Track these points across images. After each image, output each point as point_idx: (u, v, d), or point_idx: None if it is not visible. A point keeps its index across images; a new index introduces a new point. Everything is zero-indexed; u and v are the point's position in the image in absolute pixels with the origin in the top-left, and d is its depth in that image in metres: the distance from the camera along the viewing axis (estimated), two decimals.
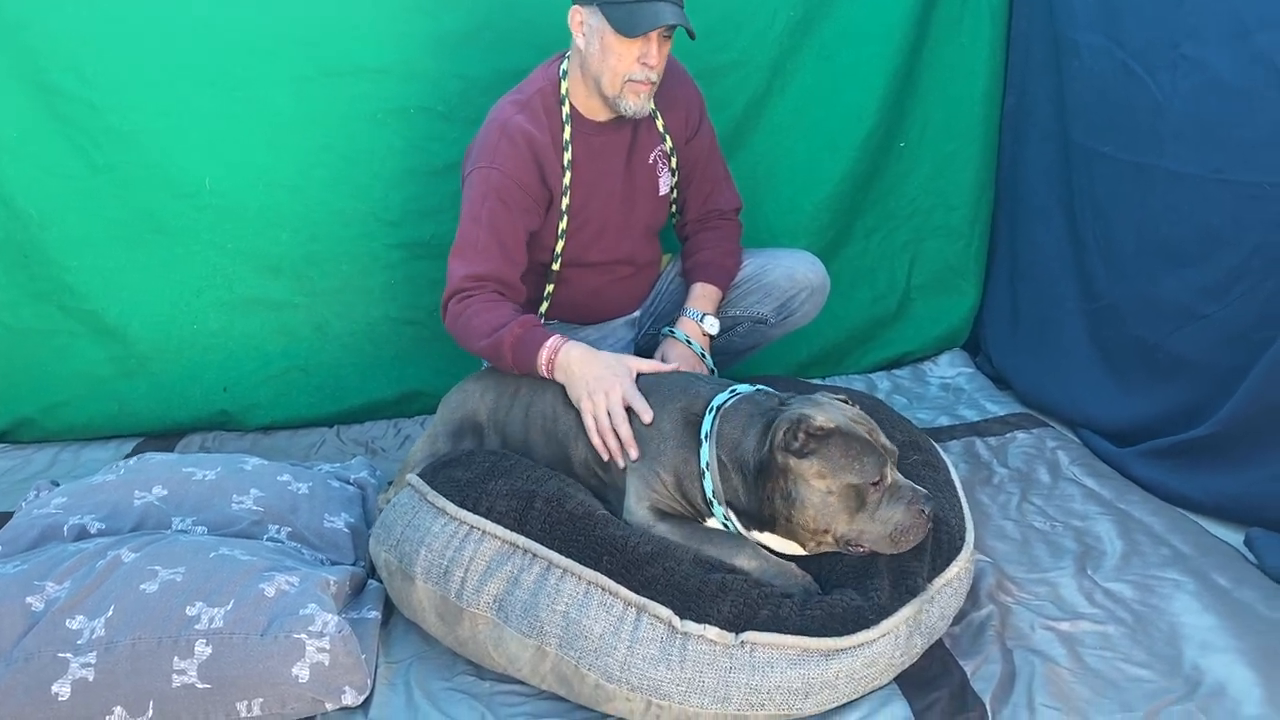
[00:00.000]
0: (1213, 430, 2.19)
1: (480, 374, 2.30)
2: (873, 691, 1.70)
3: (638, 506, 1.88)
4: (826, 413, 1.75)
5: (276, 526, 2.07)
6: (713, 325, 2.39)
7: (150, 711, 1.64)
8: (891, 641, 1.67)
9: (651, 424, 1.92)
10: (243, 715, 1.67)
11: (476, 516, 1.79)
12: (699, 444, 1.85)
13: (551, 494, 1.83)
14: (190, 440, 2.83)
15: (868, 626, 1.65)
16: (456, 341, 2.21)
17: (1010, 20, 2.96)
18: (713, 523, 1.88)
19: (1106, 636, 1.82)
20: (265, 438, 2.86)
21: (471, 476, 1.89)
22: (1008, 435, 2.63)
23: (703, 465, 1.82)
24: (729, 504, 1.81)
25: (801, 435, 1.72)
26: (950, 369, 3.10)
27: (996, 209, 3.12)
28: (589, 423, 1.97)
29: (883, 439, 1.77)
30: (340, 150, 2.76)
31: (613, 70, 2.17)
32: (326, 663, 1.68)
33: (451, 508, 1.82)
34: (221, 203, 2.75)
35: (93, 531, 1.99)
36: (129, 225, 2.73)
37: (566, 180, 2.28)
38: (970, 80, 2.98)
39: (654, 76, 2.20)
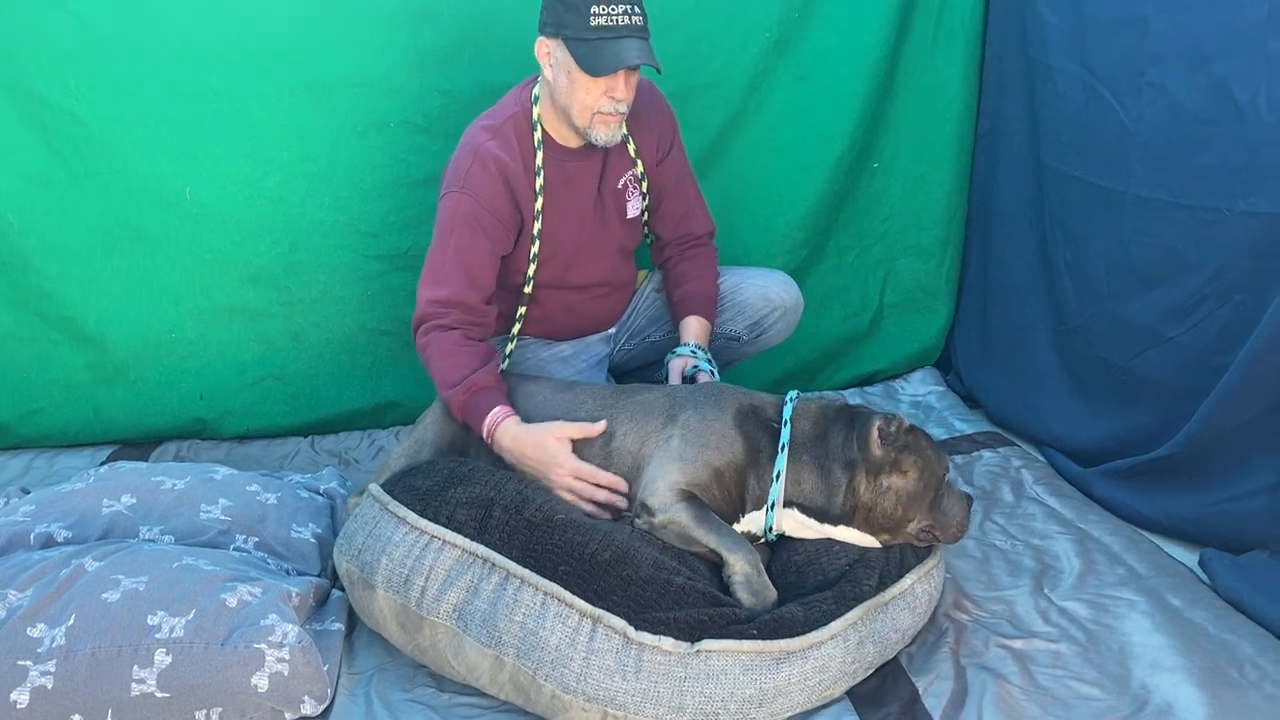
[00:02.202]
0: (1171, 452, 2.22)
1: None
2: (827, 705, 1.72)
3: (663, 484, 1.94)
4: (903, 415, 1.95)
5: (244, 536, 2.08)
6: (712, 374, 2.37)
7: (109, 719, 1.66)
8: (840, 645, 1.70)
9: (707, 419, 2.00)
10: None
11: (436, 526, 1.82)
12: (759, 445, 1.97)
13: (510, 500, 1.85)
14: (165, 449, 2.85)
15: (815, 629, 1.69)
16: None
17: (984, 44, 2.99)
18: (746, 524, 1.97)
19: (1058, 655, 1.85)
20: (240, 447, 2.87)
21: (431, 485, 1.91)
22: (975, 454, 2.66)
23: (776, 471, 1.93)
24: (798, 504, 1.93)
25: (896, 430, 1.89)
26: (921, 387, 3.13)
27: (968, 230, 3.16)
28: (565, 498, 2.01)
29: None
30: (321, 162, 2.79)
31: (580, 103, 2.17)
32: (286, 673, 1.70)
33: (412, 517, 1.84)
34: (201, 212, 2.77)
35: (59, 540, 2.00)
36: (109, 233, 2.75)
37: (538, 205, 2.29)
38: (944, 103, 3.01)
39: (623, 108, 2.19)
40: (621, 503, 2.01)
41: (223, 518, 2.09)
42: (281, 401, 2.93)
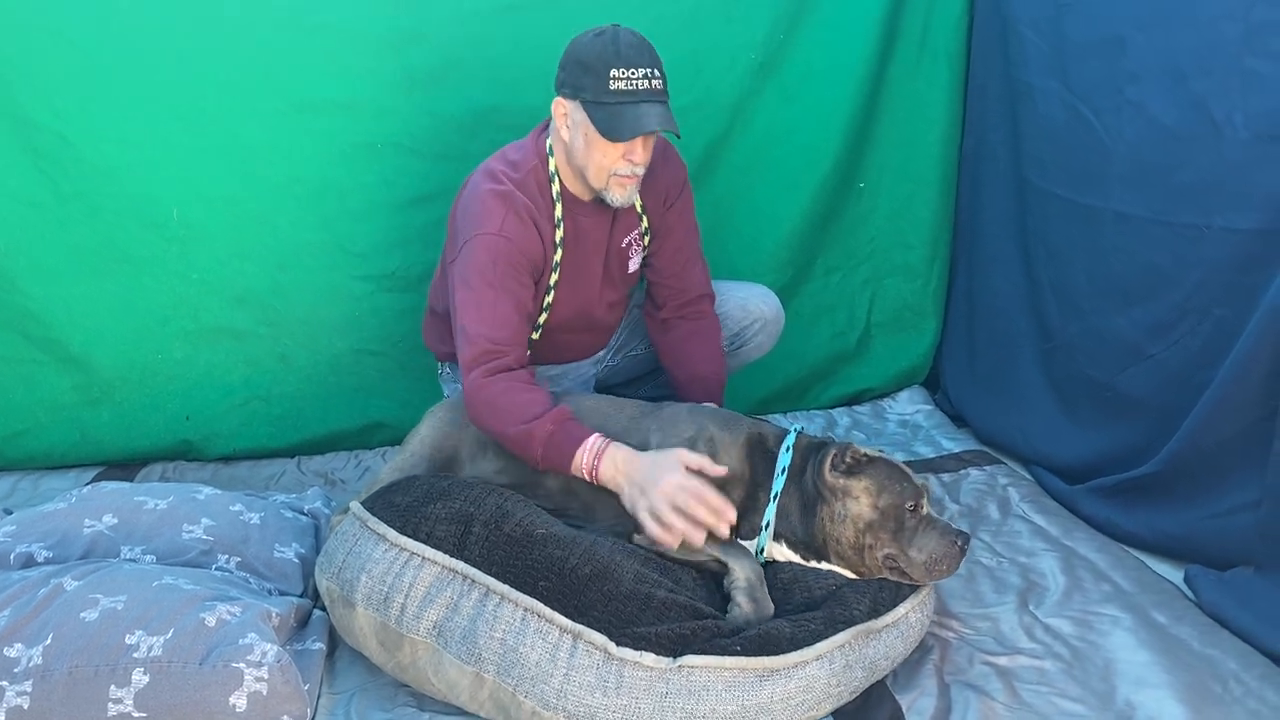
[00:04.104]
0: (1155, 469, 2.22)
1: (453, 404, 2.31)
2: None
3: None
4: (870, 448, 1.97)
5: (226, 556, 2.07)
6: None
7: None
8: (826, 667, 1.69)
9: (723, 439, 2.03)
10: None
11: (416, 543, 1.81)
12: (759, 474, 1.99)
13: (490, 516, 1.85)
14: (151, 470, 2.84)
15: (801, 647, 1.68)
16: (472, 415, 2.12)
17: (967, 64, 3.02)
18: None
19: (1043, 672, 1.84)
20: (226, 468, 2.87)
21: (410, 501, 1.90)
22: (962, 472, 2.66)
23: (773, 493, 1.95)
24: (783, 537, 1.95)
25: (850, 457, 1.91)
26: (909, 406, 3.13)
27: (954, 249, 3.17)
28: (650, 528, 1.90)
29: (919, 478, 1.94)
30: (308, 183, 2.80)
31: (597, 165, 2.13)
32: (264, 692, 1.69)
33: (391, 534, 1.83)
34: (189, 233, 2.78)
35: (40, 560, 1.99)
36: (95, 254, 2.75)
37: (557, 257, 2.25)
38: (928, 123, 3.04)
39: (640, 170, 2.16)
40: (723, 530, 1.91)
41: (205, 537, 2.08)
42: (268, 423, 2.93)
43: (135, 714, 1.65)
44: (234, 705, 1.67)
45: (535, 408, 2.04)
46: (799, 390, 3.17)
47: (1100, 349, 2.47)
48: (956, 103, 3.04)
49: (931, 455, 2.80)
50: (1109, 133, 2.37)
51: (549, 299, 2.29)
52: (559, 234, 2.24)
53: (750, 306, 2.54)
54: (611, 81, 2.05)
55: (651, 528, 1.90)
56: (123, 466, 2.85)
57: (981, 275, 3.02)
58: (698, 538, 1.89)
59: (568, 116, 2.15)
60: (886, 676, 1.83)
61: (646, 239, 2.40)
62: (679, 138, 2.19)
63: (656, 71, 2.09)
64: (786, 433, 2.07)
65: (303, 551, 2.17)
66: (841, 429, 3.02)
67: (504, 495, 1.94)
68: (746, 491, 2.00)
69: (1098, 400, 2.50)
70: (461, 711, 1.77)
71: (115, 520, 2.08)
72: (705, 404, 2.24)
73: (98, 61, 2.63)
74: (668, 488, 1.89)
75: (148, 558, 2.03)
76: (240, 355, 2.89)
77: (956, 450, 2.81)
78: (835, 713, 1.73)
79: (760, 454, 2.03)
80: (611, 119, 2.06)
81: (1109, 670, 1.82)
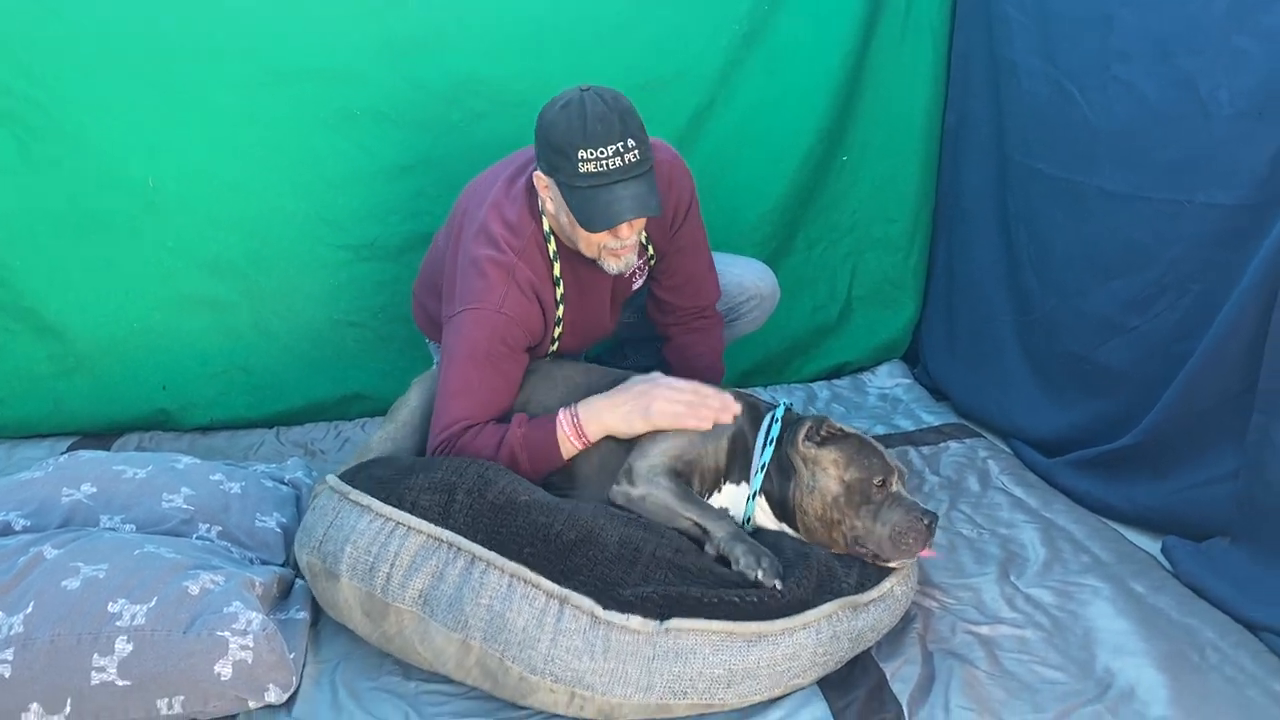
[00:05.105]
0: (1134, 442, 2.25)
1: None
2: (795, 691, 1.72)
3: (658, 455, 1.95)
4: (851, 426, 1.98)
5: (207, 525, 2.06)
6: None
7: (68, 709, 1.63)
8: (813, 636, 1.70)
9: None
10: (163, 713, 1.66)
11: (400, 512, 1.80)
12: (746, 438, 2.00)
13: (473, 484, 1.84)
14: (127, 440, 2.81)
15: (789, 615, 1.69)
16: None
17: (951, 40, 3.02)
18: (720, 502, 1.99)
19: (1024, 640, 1.86)
20: (203, 438, 2.84)
21: (392, 474, 1.89)
22: (941, 445, 2.68)
23: (761, 463, 1.95)
24: (765, 491, 1.96)
25: (825, 430, 1.93)
26: (889, 379, 3.15)
27: (935, 223, 3.18)
28: (681, 420, 1.96)
29: (894, 458, 1.94)
30: (287, 151, 2.76)
31: (586, 242, 2.07)
32: (250, 660, 1.68)
33: (376, 504, 1.82)
34: (165, 201, 2.73)
35: (17, 528, 1.96)
36: (71, 222, 2.70)
37: (560, 312, 2.20)
38: (911, 98, 3.04)
39: (631, 242, 2.09)
40: (727, 417, 1.98)
41: (185, 506, 2.06)
42: (246, 393, 2.90)
43: (119, 682, 1.63)
44: (219, 673, 1.66)
45: (499, 430, 2.03)
46: (780, 363, 3.18)
47: (1079, 323, 2.49)
48: (940, 78, 3.03)
49: (911, 428, 2.82)
50: (1094, 110, 2.38)
51: (557, 332, 2.24)
52: (560, 290, 2.18)
53: (747, 283, 2.54)
54: (581, 164, 1.93)
55: (686, 422, 1.95)
56: (98, 436, 2.82)
57: (962, 250, 3.03)
58: (726, 417, 1.96)
59: (549, 191, 2.04)
60: (871, 646, 1.85)
61: (652, 262, 2.34)
62: (647, 244, 2.14)
63: (630, 141, 1.94)
64: (774, 405, 2.07)
65: (284, 521, 2.16)
66: (821, 402, 3.04)
67: (485, 465, 1.93)
68: (731, 452, 2.00)
69: (1076, 374, 2.52)
70: (448, 679, 1.77)
71: (94, 489, 2.06)
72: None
73: (73, 27, 2.57)
74: (664, 391, 1.96)
75: (127, 526, 2.01)
76: (217, 325, 2.85)
77: (936, 423, 2.83)
78: (821, 682, 1.75)
79: (748, 418, 2.04)
80: (586, 206, 1.96)
81: (1089, 639, 1.85)
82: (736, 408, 1.99)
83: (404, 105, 2.77)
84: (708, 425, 1.96)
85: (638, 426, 1.99)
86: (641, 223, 2.08)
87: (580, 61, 2.78)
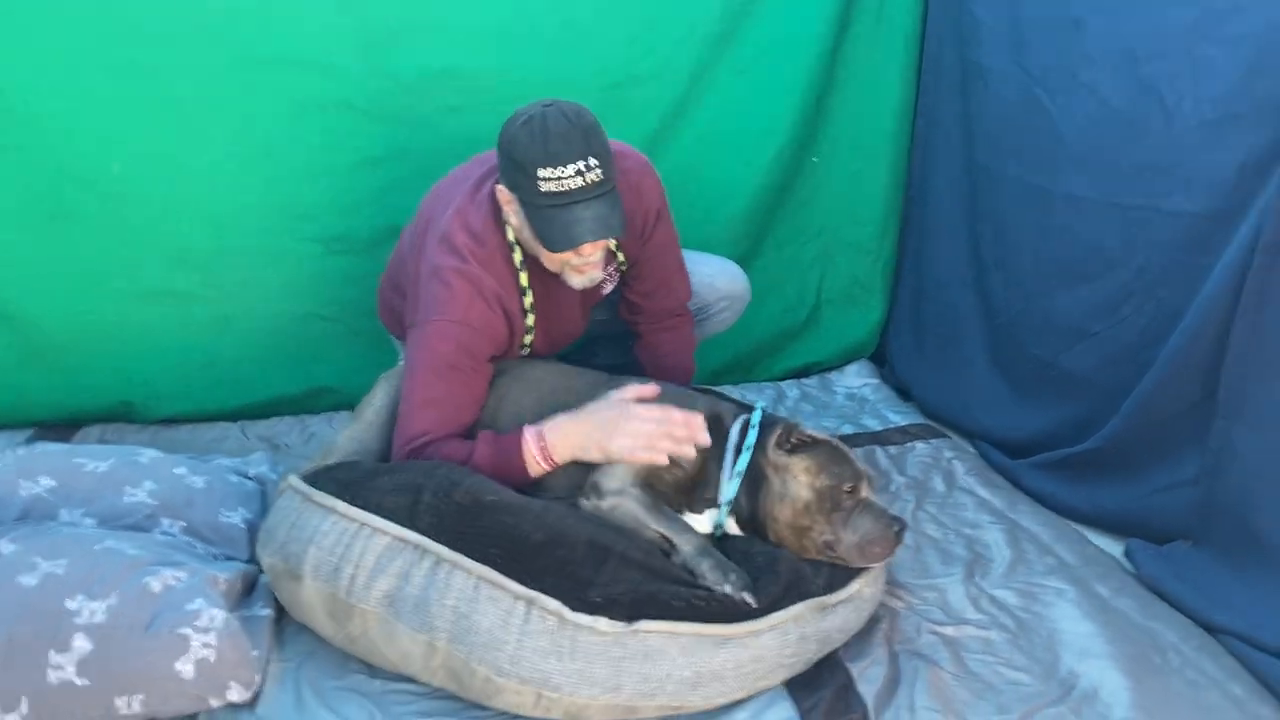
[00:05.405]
0: (1098, 445, 2.27)
1: None
2: (761, 692, 1.73)
3: (624, 470, 1.92)
4: (819, 431, 1.97)
5: (170, 520, 2.02)
6: None
7: (24, 708, 1.59)
8: (781, 637, 1.70)
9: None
10: (122, 712, 1.63)
11: (365, 513, 1.78)
12: (714, 450, 1.96)
13: (439, 485, 1.82)
14: (88, 432, 2.76)
15: (755, 618, 1.69)
16: None
17: (922, 43, 3.04)
18: (695, 520, 1.96)
19: (989, 642, 1.87)
20: (166, 430, 2.80)
21: (356, 476, 1.87)
22: (907, 445, 2.70)
23: (736, 470, 1.92)
24: (734, 513, 1.93)
25: (794, 438, 1.91)
26: (856, 379, 3.17)
27: (904, 226, 3.20)
28: (636, 454, 1.91)
29: (862, 463, 1.94)
30: (254, 142, 2.72)
31: (549, 259, 2.05)
32: (212, 659, 1.65)
33: (341, 505, 1.80)
34: (127, 191, 2.68)
35: None
36: (30, 211, 2.64)
37: (530, 321, 2.18)
38: (882, 100, 3.05)
39: (595, 259, 2.08)
40: (689, 450, 1.93)
41: (148, 501, 2.03)
42: (209, 386, 2.86)
43: (77, 681, 1.61)
44: (180, 672, 1.64)
45: (464, 447, 2.00)
46: (749, 363, 3.19)
47: (1045, 327, 2.52)
48: (910, 80, 3.05)
49: (878, 428, 2.83)
50: (1061, 115, 2.40)
51: (528, 339, 2.23)
52: (528, 300, 2.16)
53: (718, 284, 2.53)
54: (541, 183, 1.91)
55: (642, 458, 1.90)
56: (58, 428, 2.76)
57: (929, 252, 3.05)
58: (689, 451, 1.92)
59: (512, 205, 2.02)
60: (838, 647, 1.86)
61: (623, 268, 2.33)
62: (620, 239, 2.12)
63: (592, 160, 1.91)
64: (743, 410, 2.07)
65: (249, 516, 2.13)
66: (790, 401, 3.05)
67: (452, 467, 1.91)
68: (701, 465, 1.98)
69: (1041, 377, 2.55)
70: (413, 677, 1.75)
71: (53, 482, 2.01)
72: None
73: (29, 9, 2.51)
74: (630, 424, 1.91)
75: (88, 521, 1.97)
76: (181, 316, 2.80)
77: (903, 423, 2.85)
78: (787, 682, 1.75)
79: (715, 430, 2.02)
80: (547, 226, 1.95)
81: (1053, 640, 1.86)
82: (704, 440, 1.94)
83: (375, 97, 2.74)
84: (664, 460, 1.92)
85: (595, 457, 1.96)
86: (600, 245, 2.05)
87: (553, 58, 2.77)
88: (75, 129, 2.61)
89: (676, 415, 1.93)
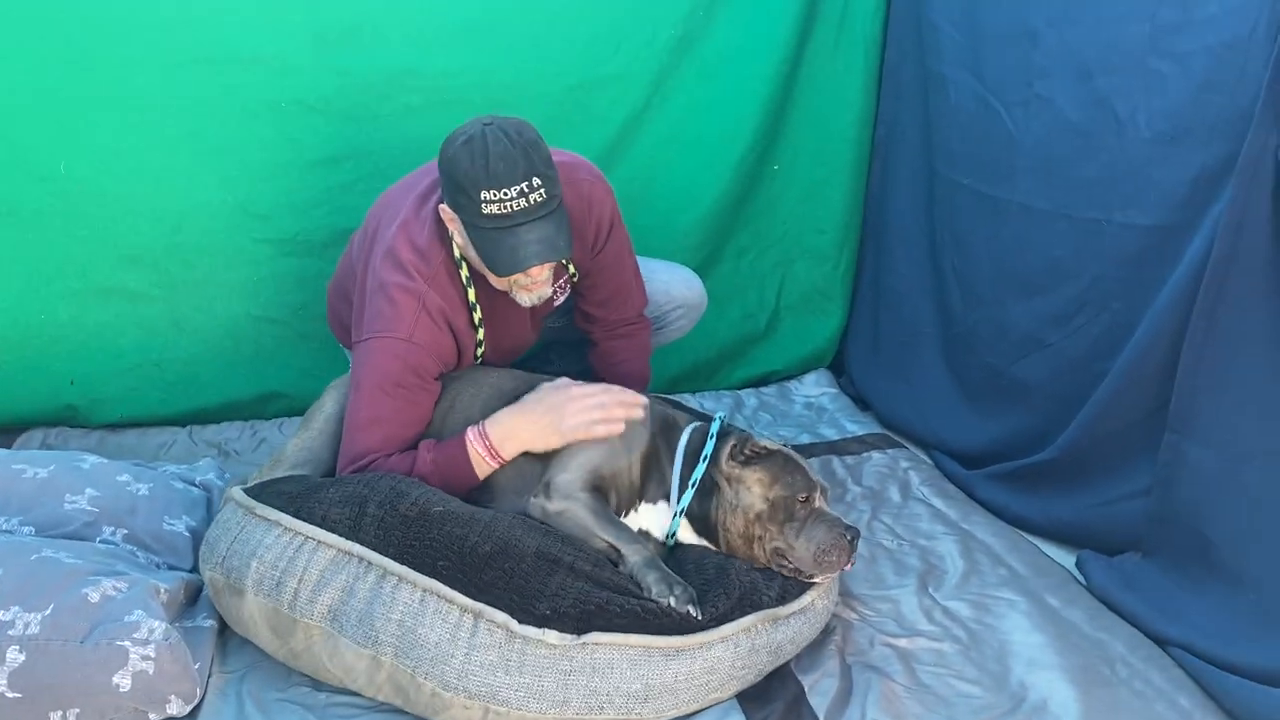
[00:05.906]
0: (1050, 456, 2.29)
1: None
2: (713, 705, 1.71)
3: (576, 469, 1.93)
4: (771, 441, 1.98)
5: (111, 528, 1.98)
6: None
7: None
8: (731, 649, 1.69)
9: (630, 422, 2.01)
10: None
11: (309, 526, 1.74)
12: (665, 455, 2.00)
13: (384, 497, 1.79)
14: (31, 436, 2.70)
15: (706, 629, 1.68)
16: None
17: (883, 52, 3.04)
18: (641, 517, 1.98)
19: (941, 654, 1.87)
20: (113, 435, 2.74)
21: (301, 489, 1.84)
22: (864, 454, 2.70)
23: (693, 479, 1.94)
24: (686, 513, 1.96)
25: (749, 449, 1.92)
26: (815, 388, 3.17)
27: (863, 234, 3.20)
28: (593, 430, 1.95)
29: (816, 474, 1.95)
30: (208, 140, 2.67)
31: (495, 279, 2.02)
32: (151, 671, 1.62)
33: (285, 519, 1.76)
34: (78, 188, 2.63)
35: None
36: None
37: (480, 335, 2.16)
38: (843, 108, 3.05)
39: (543, 278, 2.04)
40: (638, 411, 1.99)
41: (89, 508, 1.98)
42: (159, 389, 2.81)
43: (9, 694, 1.56)
44: (117, 685, 1.60)
45: (407, 462, 1.98)
46: (708, 371, 3.18)
47: (1000, 337, 2.53)
48: (871, 89, 3.06)
49: (835, 437, 2.83)
50: (1017, 126, 2.41)
51: (479, 352, 2.20)
52: (477, 315, 2.13)
53: (674, 292, 2.52)
54: (484, 205, 1.87)
55: (600, 431, 1.94)
56: (1, 432, 2.70)
57: (888, 261, 3.06)
58: (638, 412, 1.98)
59: (455, 224, 1.98)
60: (790, 659, 1.85)
61: (574, 279, 2.30)
62: (568, 265, 2.12)
63: (535, 180, 1.87)
64: (693, 420, 2.07)
65: (194, 524, 2.09)
66: (749, 409, 3.04)
67: (399, 478, 1.88)
68: (648, 465, 1.99)
69: (996, 387, 2.56)
70: (358, 691, 1.72)
71: None
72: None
73: None
74: (575, 404, 1.95)
75: (25, 529, 1.92)
76: (131, 317, 2.75)
77: (860, 433, 2.85)
78: (739, 695, 1.74)
79: (665, 436, 2.03)
80: (492, 249, 1.91)
81: (1004, 652, 1.87)
82: (643, 399, 2.01)
83: (332, 96, 2.70)
84: (619, 428, 1.96)
85: (553, 442, 1.96)
86: (547, 267, 2.02)
87: (514, 59, 2.75)
88: (25, 125, 2.56)
89: (613, 387, 1.98)
